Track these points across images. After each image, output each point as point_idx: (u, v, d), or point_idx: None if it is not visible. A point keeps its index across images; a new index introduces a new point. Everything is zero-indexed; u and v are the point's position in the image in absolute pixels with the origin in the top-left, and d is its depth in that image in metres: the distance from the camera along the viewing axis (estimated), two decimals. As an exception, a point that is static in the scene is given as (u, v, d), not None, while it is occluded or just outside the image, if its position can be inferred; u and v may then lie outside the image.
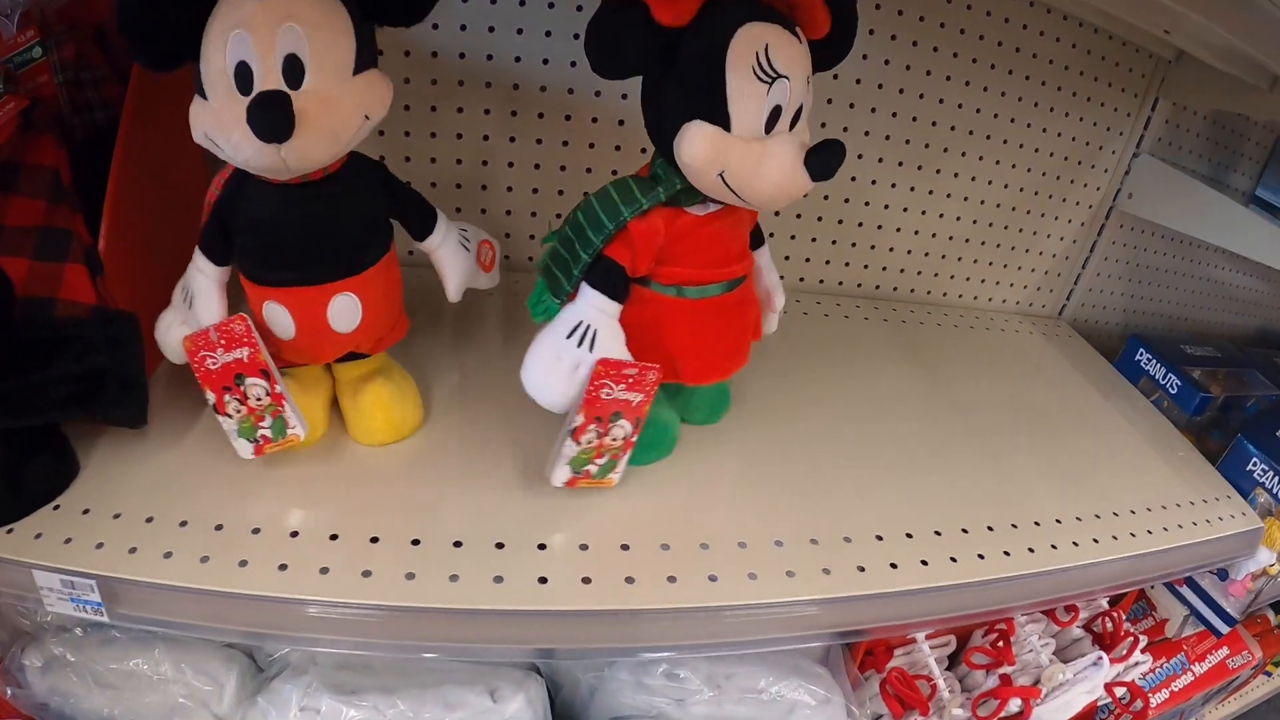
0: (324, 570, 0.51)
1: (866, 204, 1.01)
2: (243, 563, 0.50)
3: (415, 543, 0.54)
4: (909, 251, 1.07)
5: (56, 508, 0.53)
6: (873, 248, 1.05)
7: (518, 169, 0.88)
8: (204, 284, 0.55)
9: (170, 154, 0.70)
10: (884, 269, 1.08)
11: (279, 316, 0.56)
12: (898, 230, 1.05)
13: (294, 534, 0.53)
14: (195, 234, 0.73)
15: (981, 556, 0.65)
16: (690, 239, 0.56)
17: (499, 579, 0.53)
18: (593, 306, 0.55)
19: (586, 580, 0.54)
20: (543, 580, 0.53)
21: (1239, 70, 0.90)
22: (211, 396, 0.54)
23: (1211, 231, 1.01)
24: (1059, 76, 0.98)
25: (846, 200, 1.00)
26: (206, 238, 0.55)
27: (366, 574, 0.51)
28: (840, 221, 1.01)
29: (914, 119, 0.96)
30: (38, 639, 0.66)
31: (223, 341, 0.53)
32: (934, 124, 0.96)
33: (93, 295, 0.58)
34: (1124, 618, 0.88)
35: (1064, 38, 0.95)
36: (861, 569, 0.60)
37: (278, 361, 0.56)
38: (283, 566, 0.50)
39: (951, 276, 1.12)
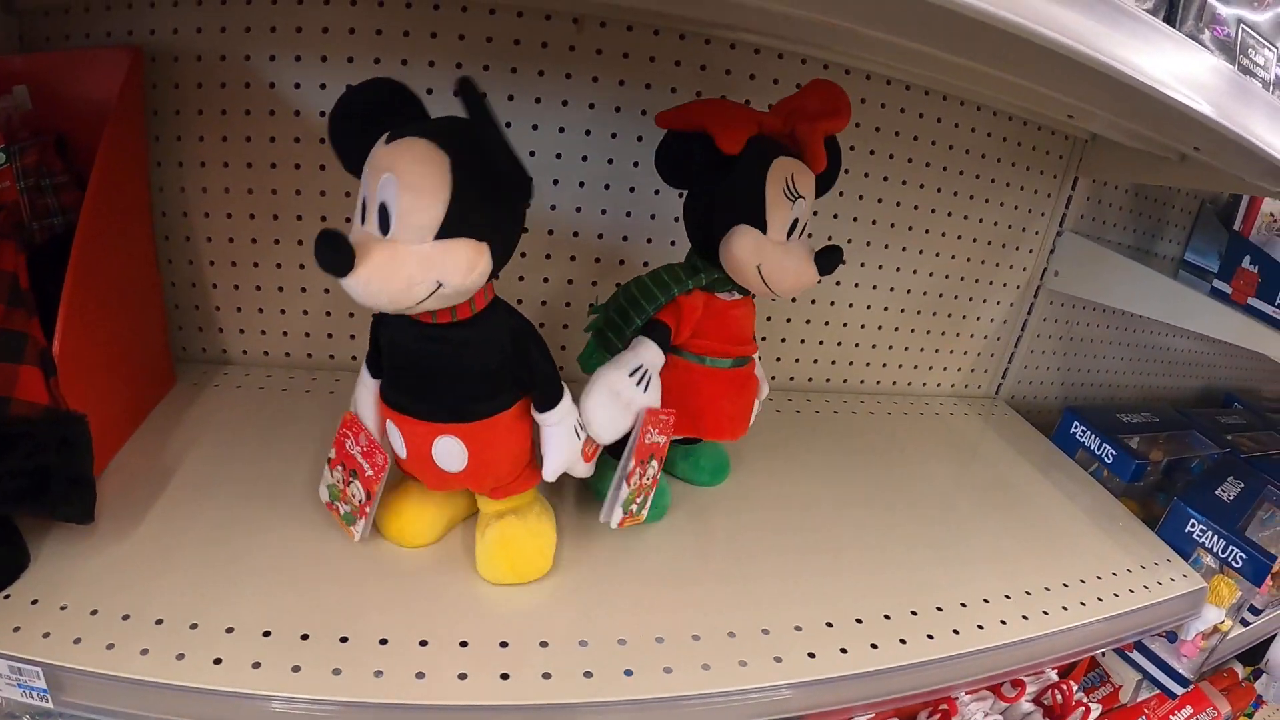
0: (256, 665, 0.52)
1: (793, 300, 1.05)
2: (180, 656, 0.51)
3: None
4: (839, 344, 1.10)
5: (6, 597, 0.54)
6: (802, 341, 1.08)
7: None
8: (364, 394, 0.63)
9: (124, 262, 0.73)
10: (815, 361, 1.10)
11: (395, 437, 0.60)
12: (825, 324, 1.08)
13: (229, 630, 0.54)
14: (147, 339, 0.78)
15: (931, 637, 0.66)
16: (718, 319, 0.69)
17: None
18: (650, 355, 0.66)
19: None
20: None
21: (1148, 146, 0.96)
22: (334, 453, 0.64)
23: (1137, 303, 1.04)
24: (979, 165, 1.03)
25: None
26: (370, 352, 0.62)
27: (296, 669, 0.52)
28: (769, 319, 1.05)
29: (837, 216, 1.00)
30: (-15, 724, 0.66)
31: (364, 447, 0.62)
32: (854, 219, 1.01)
33: (46, 396, 0.60)
34: (1075, 688, 0.89)
35: (979, 128, 1.01)
36: (813, 655, 0.61)
37: (400, 470, 0.63)
38: (217, 661, 0.52)
39: (884, 365, 1.15)
